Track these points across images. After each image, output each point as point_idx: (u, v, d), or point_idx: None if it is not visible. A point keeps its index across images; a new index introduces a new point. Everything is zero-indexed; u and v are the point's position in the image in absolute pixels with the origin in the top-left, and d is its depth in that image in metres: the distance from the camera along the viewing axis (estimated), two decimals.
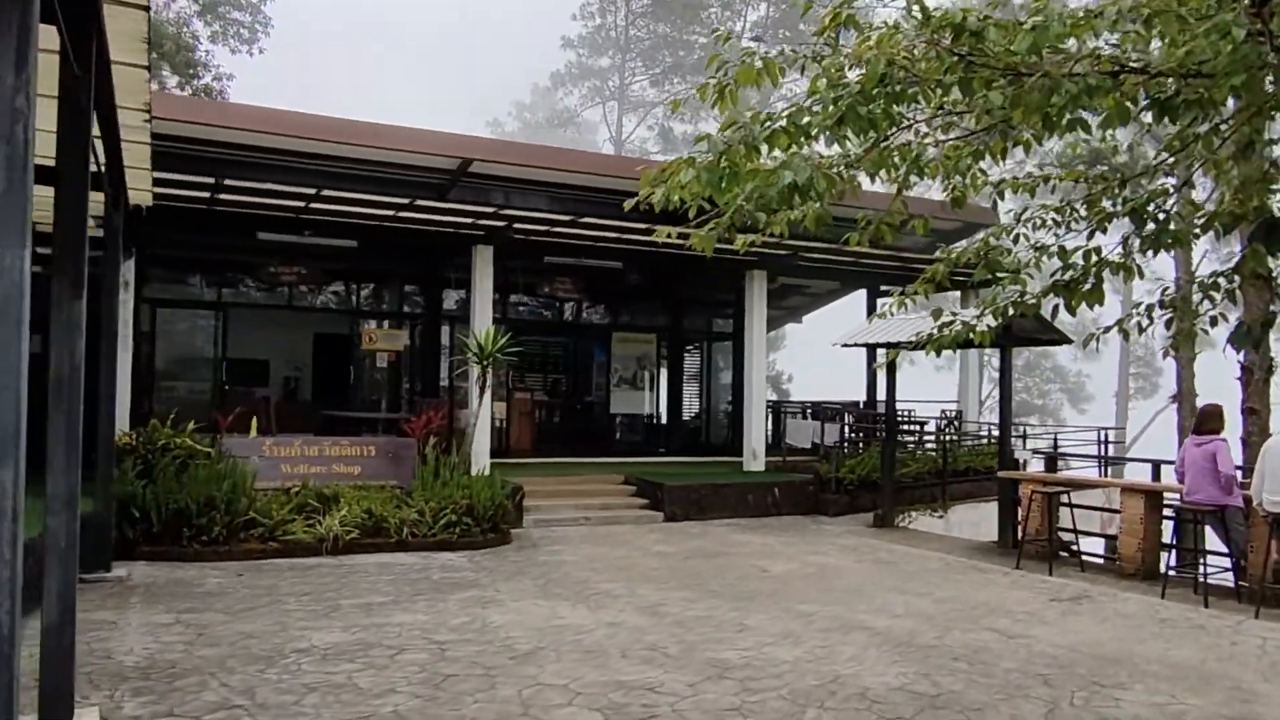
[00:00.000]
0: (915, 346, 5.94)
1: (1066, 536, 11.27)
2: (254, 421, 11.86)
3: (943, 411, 19.53)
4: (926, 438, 18.95)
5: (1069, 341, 12.47)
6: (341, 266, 17.32)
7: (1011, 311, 5.83)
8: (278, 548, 10.21)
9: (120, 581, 8.67)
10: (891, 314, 6.10)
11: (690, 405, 21.12)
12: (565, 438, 20.20)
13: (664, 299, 19.91)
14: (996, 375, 21.44)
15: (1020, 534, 11.29)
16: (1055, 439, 16.31)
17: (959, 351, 39.56)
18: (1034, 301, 5.75)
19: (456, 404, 15.88)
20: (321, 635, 7.06)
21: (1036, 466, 14.00)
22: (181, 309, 17.35)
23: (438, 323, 17.20)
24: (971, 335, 5.68)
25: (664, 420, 19.49)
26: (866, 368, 21.16)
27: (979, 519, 15.16)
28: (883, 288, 21.60)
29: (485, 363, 12.35)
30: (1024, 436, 17.38)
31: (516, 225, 14.16)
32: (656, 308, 20.39)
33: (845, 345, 13.67)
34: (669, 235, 5.62)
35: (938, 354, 5.91)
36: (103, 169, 7.36)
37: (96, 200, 7.29)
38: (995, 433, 18.15)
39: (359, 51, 75.97)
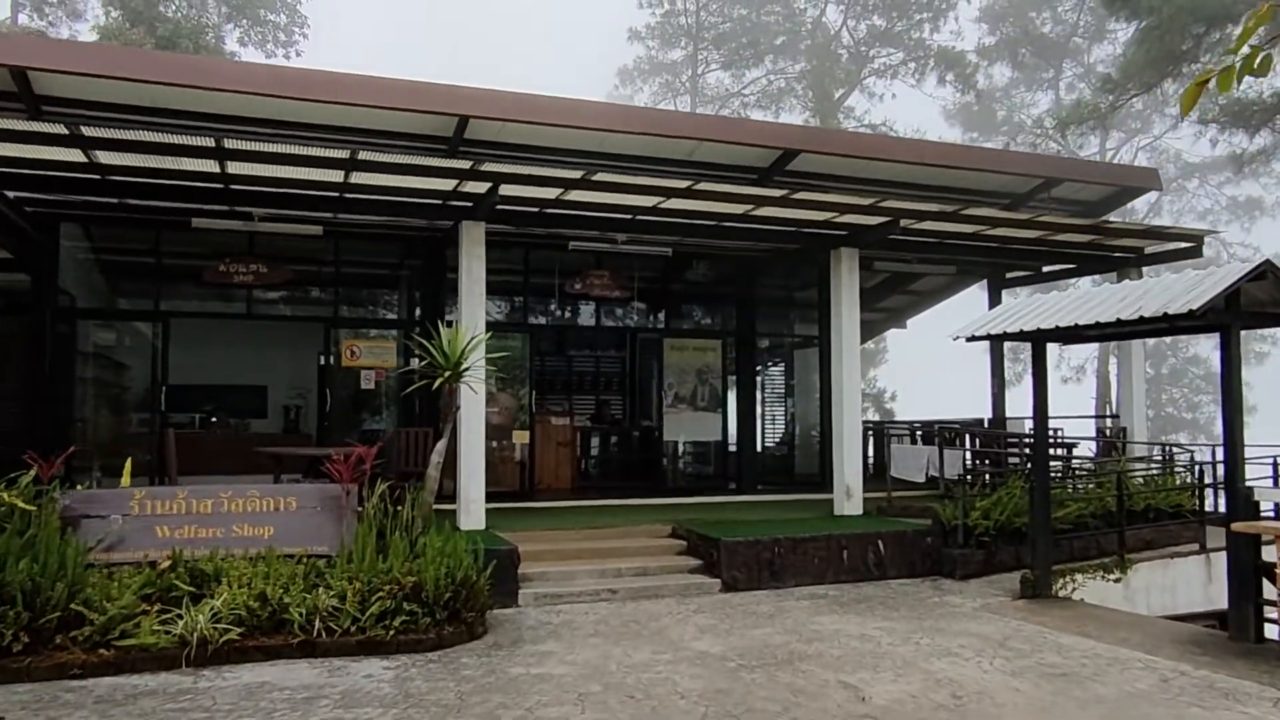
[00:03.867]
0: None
1: None
2: (128, 466, 8.61)
3: (1101, 430, 15.35)
4: (1077, 463, 14.84)
5: None
6: (311, 267, 14.18)
7: None
8: (111, 658, 6.86)
9: None
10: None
11: (767, 429, 17.33)
12: (607, 473, 16.71)
13: (730, 295, 16.26)
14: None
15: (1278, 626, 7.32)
16: (1276, 463, 12.13)
17: (1115, 349, 35.18)
18: None
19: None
20: None
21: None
22: (110, 321, 14.46)
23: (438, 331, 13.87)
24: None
25: (733, 448, 15.81)
26: (992, 376, 17.16)
27: (1172, 582, 11.09)
28: (1009, 276, 17.63)
29: (455, 375, 8.90)
30: (1202, 465, 13.19)
31: (506, 190, 10.74)
32: (721, 307, 16.74)
33: (974, 338, 9.82)
34: None
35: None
36: None
37: None
38: (1179, 456, 13.96)
39: (411, 53, 73.99)
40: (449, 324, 11.98)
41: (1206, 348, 42.23)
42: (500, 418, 14.85)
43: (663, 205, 11.81)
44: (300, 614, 7.42)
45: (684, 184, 10.85)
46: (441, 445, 8.91)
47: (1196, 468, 12.56)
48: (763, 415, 17.11)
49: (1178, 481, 13.02)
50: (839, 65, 39.27)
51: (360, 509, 8.59)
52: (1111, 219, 15.01)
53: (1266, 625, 7.93)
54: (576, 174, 10.33)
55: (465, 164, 9.92)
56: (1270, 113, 21.26)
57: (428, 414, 13.32)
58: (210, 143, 9.06)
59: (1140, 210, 37.20)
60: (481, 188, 10.64)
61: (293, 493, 8.72)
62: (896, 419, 26.98)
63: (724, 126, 15.95)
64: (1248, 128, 22.59)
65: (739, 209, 12.07)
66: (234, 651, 7.13)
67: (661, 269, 15.60)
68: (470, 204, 11.18)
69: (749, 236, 13.35)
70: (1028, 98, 43.91)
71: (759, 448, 16.59)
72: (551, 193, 11.08)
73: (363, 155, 9.46)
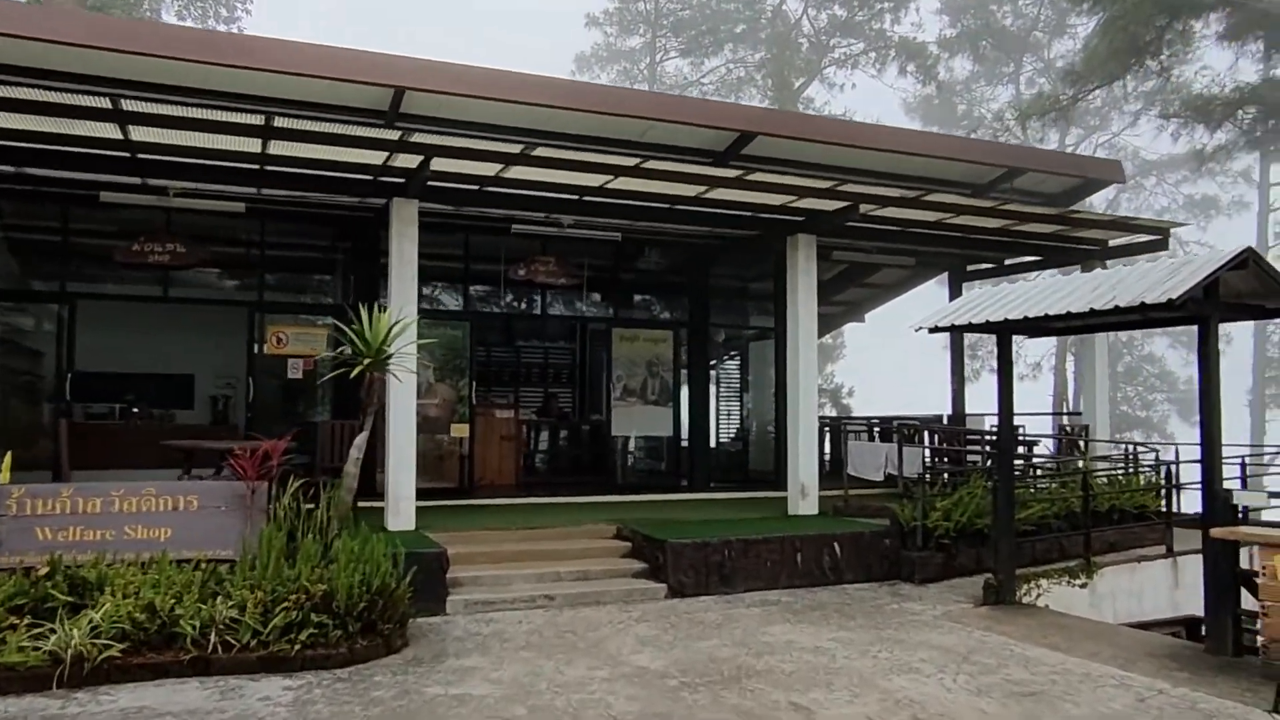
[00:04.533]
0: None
1: None
2: (7, 460, 7.78)
3: (1063, 427, 14.95)
4: (1039, 462, 14.43)
5: None
6: (235, 248, 13.35)
7: None
8: None
9: None
10: None
11: (721, 424, 16.77)
12: (553, 469, 16.07)
13: (683, 285, 15.65)
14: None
15: (1258, 638, 6.84)
16: (1244, 464, 11.76)
17: (1073, 346, 34.94)
18: None
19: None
20: None
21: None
22: (14, 304, 13.52)
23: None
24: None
25: (685, 444, 15.20)
26: (952, 372, 16.75)
27: (1139, 588, 10.68)
28: (970, 269, 17.22)
29: (378, 363, 8.19)
30: (1170, 466, 12.80)
31: (441, 165, 10.03)
32: (674, 297, 16.12)
33: (937, 329, 9.28)
34: None
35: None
36: None
37: None
38: (1142, 455, 13.59)
39: (365, 41, 72.62)
40: (385, 310, 11.27)
41: (1161, 345, 42.48)
42: (439, 410, 14.13)
43: (611, 185, 11.16)
44: (193, 627, 6.69)
45: (633, 161, 10.22)
46: (361, 439, 8.20)
47: (1163, 468, 12.16)
48: (717, 410, 16.54)
49: (1142, 481, 12.62)
50: (799, 54, 38.85)
51: (269, 509, 7.87)
52: (1076, 209, 14.61)
53: (1246, 637, 7.47)
54: (515, 148, 9.64)
55: (394, 134, 9.19)
56: (1233, 107, 21.07)
57: (353, 405, 12.56)
58: (106, 104, 8.25)
59: (1099, 207, 37.11)
60: (413, 161, 9.92)
61: (194, 491, 7.96)
62: (853, 415, 26.56)
63: (678, 106, 15.33)
64: (1209, 123, 22.40)
65: (691, 190, 11.45)
66: (115, 670, 6.38)
67: (611, 256, 14.95)
68: (402, 180, 10.45)
69: (703, 221, 12.74)
70: (988, 92, 43.82)
71: (712, 444, 16.02)
72: (490, 169, 10.38)
73: (279, 122, 8.71)
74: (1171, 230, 13.91)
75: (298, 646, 6.83)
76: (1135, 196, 41.91)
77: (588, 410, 16.83)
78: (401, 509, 10.17)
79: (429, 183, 10.28)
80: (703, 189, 11.35)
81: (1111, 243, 14.66)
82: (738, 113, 15.63)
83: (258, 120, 8.70)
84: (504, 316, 16.03)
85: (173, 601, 6.82)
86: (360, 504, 10.37)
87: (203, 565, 7.36)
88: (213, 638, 6.70)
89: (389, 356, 8.25)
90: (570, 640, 7.79)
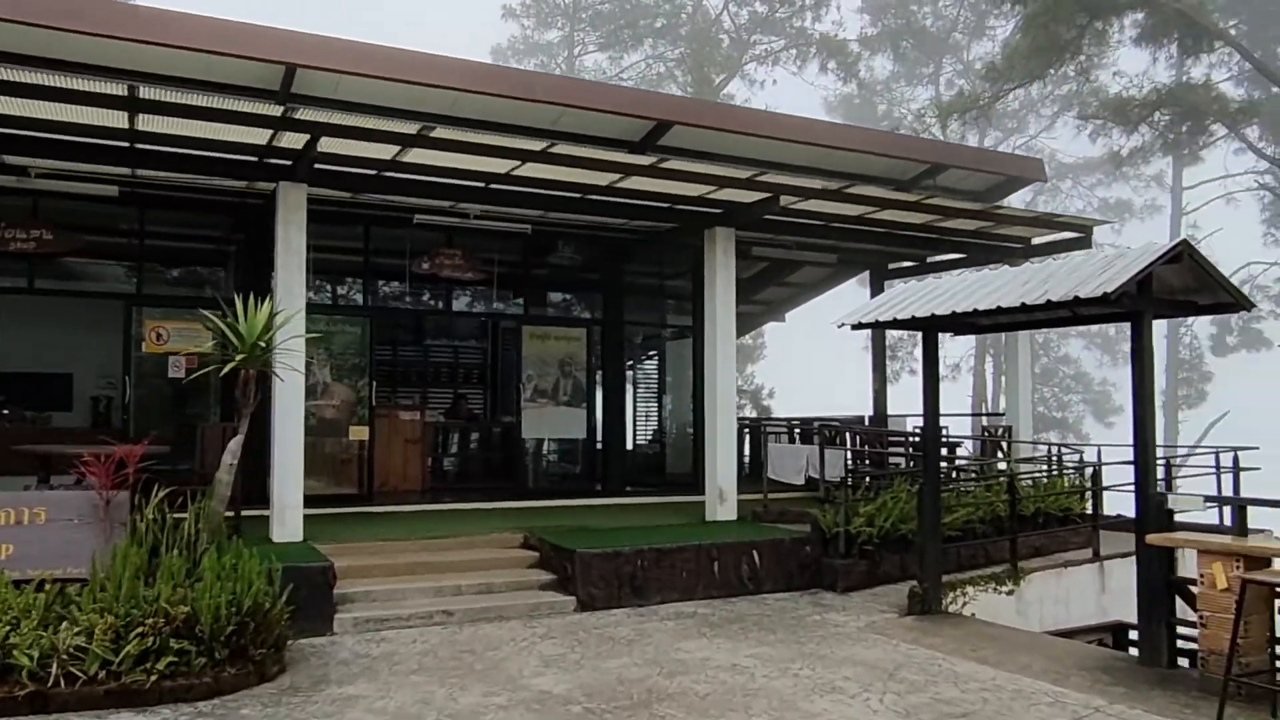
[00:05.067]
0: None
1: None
2: None
3: (985, 428, 14.77)
4: (963, 463, 14.24)
5: (1246, 306, 7.77)
6: (110, 236, 12.41)
7: None
8: None
9: None
10: None
11: (639, 426, 16.29)
12: (461, 473, 15.36)
13: (598, 281, 15.10)
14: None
15: (1196, 648, 6.56)
16: (1169, 464, 11.64)
17: (992, 347, 35.17)
18: None
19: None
20: None
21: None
22: None
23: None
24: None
25: (600, 447, 14.65)
26: (874, 371, 16.53)
27: (1065, 593, 10.46)
28: (892, 268, 17.02)
29: (255, 359, 7.47)
30: (1096, 467, 12.70)
31: (332, 146, 9.34)
32: (588, 293, 15.55)
33: (861, 325, 8.87)
34: None
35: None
36: None
37: None
38: (1066, 456, 13.46)
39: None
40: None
41: (1077, 347, 43.32)
42: (337, 411, 13.33)
43: (519, 172, 10.55)
44: (31, 658, 5.93)
45: (541, 145, 9.63)
46: (236, 443, 7.48)
47: (1089, 470, 12.01)
48: (633, 411, 16.05)
49: (1067, 484, 12.46)
50: (719, 50, 38.62)
51: (130, 520, 7.11)
52: (1000, 205, 14.46)
53: (1180, 644, 7.21)
54: (411, 128, 8.99)
55: (277, 110, 8.48)
56: (1150, 108, 21.31)
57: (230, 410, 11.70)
58: None
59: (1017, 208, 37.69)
60: (299, 141, 9.20)
61: (42, 502, 7.16)
62: (774, 416, 26.26)
63: (592, 92, 14.79)
64: (1126, 124, 22.64)
65: (605, 179, 10.92)
66: None
67: (521, 250, 14.31)
68: (289, 162, 9.72)
69: (617, 212, 12.23)
70: (908, 92, 44.21)
71: (630, 446, 15.52)
72: (386, 151, 9.69)
73: (145, 93, 7.94)
74: (1099, 225, 13.84)
75: (155, 677, 6.11)
76: (1052, 199, 42.64)
77: (499, 412, 16.17)
78: (288, 519, 9.45)
79: (319, 165, 9.60)
80: (616, 177, 10.83)
81: (1034, 240, 14.56)
82: (655, 100, 15.17)
83: (120, 90, 7.91)
84: (409, 313, 15.29)
85: (7, 629, 6.04)
86: (246, 513, 9.67)
87: (48, 586, 6.58)
88: (54, 669, 5.95)
89: (267, 351, 7.54)
90: (468, 661, 7.19)
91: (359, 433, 12.85)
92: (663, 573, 9.55)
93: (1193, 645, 7.14)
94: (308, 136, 9.00)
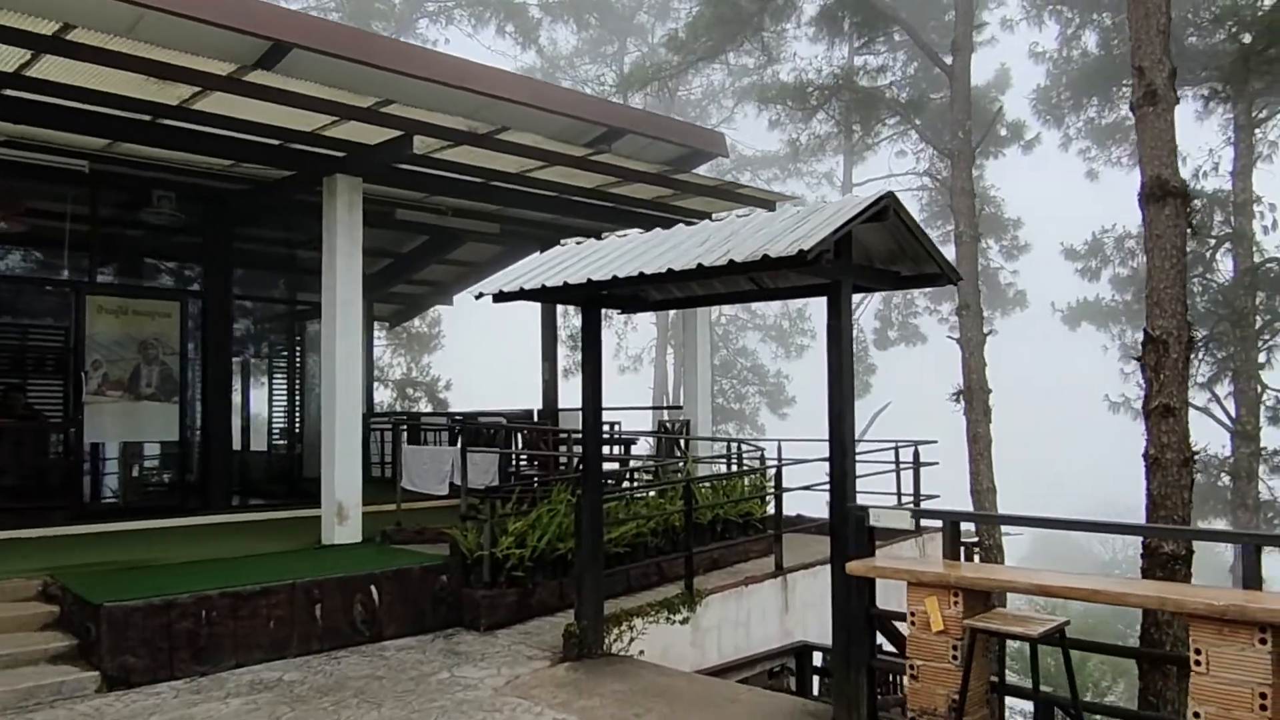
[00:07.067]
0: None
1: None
2: None
3: (663, 423, 13.48)
4: (637, 464, 12.88)
5: (954, 278, 6.65)
6: None
7: None
8: None
9: None
10: None
11: (251, 426, 13.63)
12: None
13: (197, 245, 12.32)
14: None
15: (899, 697, 5.22)
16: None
17: (672, 336, 34.77)
18: None
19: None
20: None
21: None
22: None
23: None
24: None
25: (199, 452, 11.93)
26: (543, 357, 14.90)
27: (746, 616, 9.19)
28: (565, 242, 15.41)
29: None
30: (779, 467, 11.71)
31: None
32: (183, 258, 12.69)
33: (504, 295, 7.01)
34: None
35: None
36: None
37: None
38: (747, 454, 12.40)
39: None
40: None
41: (754, 339, 44.44)
42: None
43: (33, 71, 7.77)
44: None
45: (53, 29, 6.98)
46: None
47: (770, 470, 10.92)
48: (247, 406, 13.41)
49: (747, 484, 11.32)
50: (385, 2, 35.92)
51: None
52: (678, 170, 13.22)
53: (874, 693, 5.92)
54: None
55: None
56: (830, 93, 21.23)
57: None
58: None
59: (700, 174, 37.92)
60: None
61: None
62: (428, 412, 24.13)
63: None
64: (806, 108, 22.55)
65: (178, 94, 8.37)
66: None
67: (87, 199, 11.29)
68: None
69: (208, 147, 9.65)
70: (593, 70, 43.44)
71: (239, 449, 12.88)
72: None
73: None
74: (785, 201, 12.92)
75: None
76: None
77: (44, 408, 12.95)
78: None
79: None
80: (195, 91, 8.29)
81: (715, 216, 13.39)
82: (271, 16, 12.59)
83: None
84: None
85: None
86: None
87: None
88: None
89: None
90: None
91: None
92: (241, 625, 7.23)
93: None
94: None
